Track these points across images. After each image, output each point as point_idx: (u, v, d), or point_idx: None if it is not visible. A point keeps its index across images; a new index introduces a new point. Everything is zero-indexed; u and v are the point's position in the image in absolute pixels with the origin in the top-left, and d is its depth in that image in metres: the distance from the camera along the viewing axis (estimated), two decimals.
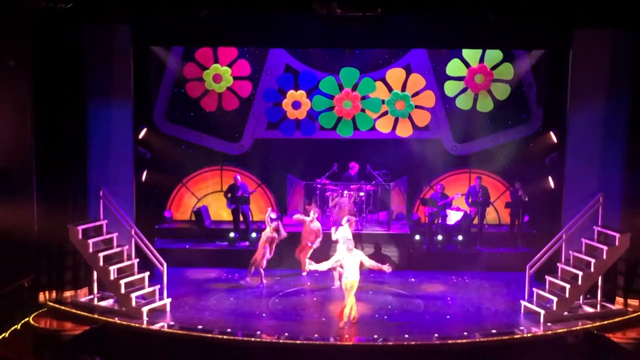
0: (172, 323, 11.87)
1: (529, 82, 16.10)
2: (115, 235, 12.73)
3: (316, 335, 11.42)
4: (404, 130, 16.34)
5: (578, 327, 11.75)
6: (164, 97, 16.42)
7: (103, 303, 12.47)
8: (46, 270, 12.67)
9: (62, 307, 12.38)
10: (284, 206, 16.82)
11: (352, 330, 11.66)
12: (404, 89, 16.10)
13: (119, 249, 12.71)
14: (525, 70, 15.90)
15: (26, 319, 12.06)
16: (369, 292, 13.37)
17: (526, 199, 15.28)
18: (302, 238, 14.37)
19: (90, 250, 12.28)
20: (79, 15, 12.37)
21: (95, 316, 12.02)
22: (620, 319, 12.05)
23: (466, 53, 15.81)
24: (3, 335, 11.71)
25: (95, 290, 12.60)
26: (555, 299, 12.09)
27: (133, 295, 12.16)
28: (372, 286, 13.71)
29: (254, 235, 15.37)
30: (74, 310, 12.23)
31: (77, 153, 12.83)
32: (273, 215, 14.21)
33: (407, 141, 16.59)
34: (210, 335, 11.30)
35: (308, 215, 14.41)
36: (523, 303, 12.53)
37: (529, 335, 11.58)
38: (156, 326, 11.70)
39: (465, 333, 11.43)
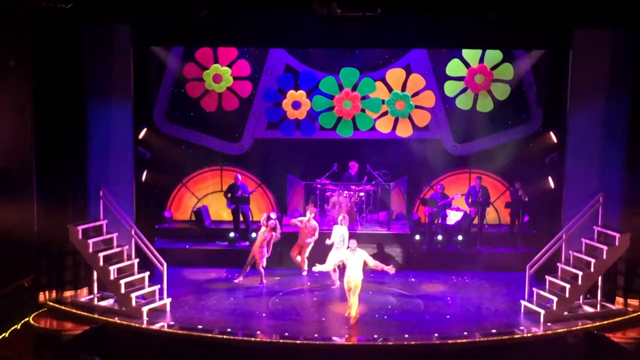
0: (172, 323, 11.87)
1: (529, 82, 16.10)
2: (115, 235, 12.74)
3: (316, 335, 11.41)
4: (404, 130, 16.34)
5: (578, 327, 11.76)
6: (164, 97, 16.42)
7: (103, 303, 12.47)
8: (46, 270, 12.67)
9: (62, 307, 12.39)
10: (284, 206, 16.81)
11: (352, 330, 11.66)
12: (404, 89, 16.10)
13: (119, 249, 12.72)
14: (525, 70, 15.90)
15: (26, 319, 12.06)
16: (369, 292, 13.36)
17: (526, 199, 15.28)
18: (299, 237, 14.39)
19: (90, 250, 12.28)
20: (79, 15, 12.37)
21: (95, 316, 12.03)
22: (620, 319, 12.06)
23: (466, 53, 15.81)
24: (3, 335, 11.72)
25: (95, 290, 12.60)
26: (555, 299, 12.10)
27: (133, 295, 12.16)
28: (372, 286, 13.70)
29: (254, 235, 15.33)
30: (74, 310, 12.24)
31: (77, 153, 12.83)
32: (273, 215, 14.20)
33: (407, 141, 16.58)
34: (210, 335, 11.31)
35: (305, 215, 14.44)
36: (523, 303, 12.53)
37: (529, 335, 11.58)
38: (156, 326, 11.71)
39: (465, 333, 11.43)
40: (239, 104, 16.41)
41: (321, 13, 12.02)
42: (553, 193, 13.89)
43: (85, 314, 12.10)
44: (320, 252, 13.92)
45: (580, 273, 12.15)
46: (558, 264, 12.64)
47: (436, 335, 11.40)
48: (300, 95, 16.14)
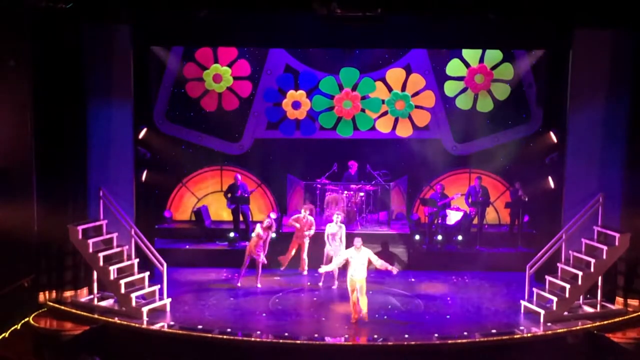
0: (172, 323, 11.87)
1: (529, 82, 16.10)
2: (115, 235, 12.73)
3: (316, 335, 11.42)
4: (404, 130, 16.35)
5: (578, 327, 11.75)
6: (164, 97, 16.42)
7: (103, 303, 12.47)
8: (46, 270, 12.67)
9: (62, 307, 12.38)
10: (284, 206, 16.81)
11: (352, 330, 11.66)
12: (404, 89, 16.10)
13: (119, 249, 12.71)
14: (525, 70, 15.90)
15: (26, 319, 12.06)
16: (369, 292, 13.24)
17: (526, 199, 15.28)
18: (295, 233, 14.37)
19: (90, 250, 12.28)
20: (79, 15, 12.36)
21: (95, 316, 12.02)
22: (620, 319, 12.06)
23: (466, 53, 15.81)
24: (3, 335, 11.71)
25: (95, 290, 12.60)
26: (555, 299, 12.10)
27: (133, 295, 12.16)
28: (372, 286, 13.63)
29: (253, 235, 15.35)
30: (74, 310, 12.24)
31: (77, 153, 12.83)
32: (273, 215, 14.20)
33: (407, 141, 16.59)
34: (210, 335, 11.31)
35: (300, 213, 14.46)
36: (523, 303, 12.53)
37: (529, 335, 11.58)
38: (156, 326, 11.71)
39: (465, 333, 11.44)
40: (239, 104, 16.41)
41: (321, 13, 12.01)
42: (553, 193, 13.89)
43: (85, 314, 12.09)
44: (320, 251, 13.94)
45: (580, 273, 12.15)
46: (558, 264, 12.64)
47: (436, 335, 11.40)
48: (300, 95, 16.14)
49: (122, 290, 12.21)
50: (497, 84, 15.91)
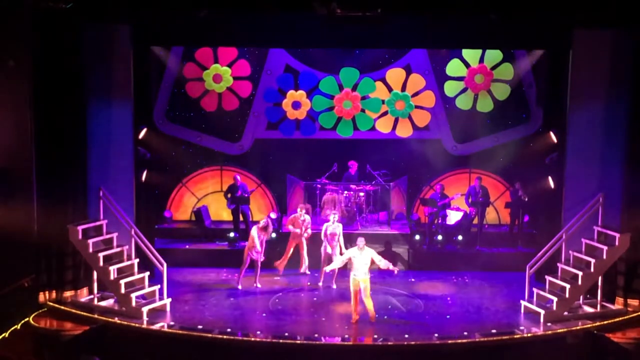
0: (172, 323, 11.87)
1: (529, 82, 16.10)
2: (115, 235, 12.73)
3: (316, 335, 11.42)
4: (404, 130, 16.35)
5: (578, 327, 11.75)
6: (164, 97, 16.42)
7: (103, 303, 12.46)
8: (46, 270, 12.66)
9: (62, 307, 12.38)
10: (284, 206, 16.81)
11: (352, 330, 11.67)
12: (404, 89, 16.11)
13: (119, 249, 12.71)
14: (525, 70, 15.90)
15: (26, 319, 12.05)
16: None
17: (526, 199, 15.28)
18: (292, 235, 14.36)
19: (90, 250, 12.28)
20: (79, 15, 12.35)
21: (95, 316, 12.02)
22: (620, 319, 12.06)
23: (466, 53, 15.81)
24: (3, 335, 11.70)
25: (95, 290, 12.60)
26: (555, 299, 12.09)
27: (133, 295, 12.16)
28: (372, 286, 13.58)
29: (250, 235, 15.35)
30: (74, 310, 12.24)
31: (77, 153, 12.82)
32: (273, 215, 14.17)
33: (407, 141, 16.57)
34: (210, 335, 11.30)
35: (297, 212, 14.45)
36: (523, 303, 12.53)
37: (529, 335, 11.58)
38: (156, 326, 11.70)
39: (465, 333, 11.44)
40: (239, 104, 16.41)
41: (321, 13, 12.00)
42: (553, 193, 13.89)
43: (85, 314, 12.09)
44: (318, 250, 13.95)
45: (580, 273, 12.15)
46: (558, 264, 12.64)
47: (436, 335, 11.40)
48: (300, 95, 16.14)
49: (122, 290, 12.21)
50: (497, 84, 15.92)
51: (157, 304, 12.44)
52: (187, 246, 15.64)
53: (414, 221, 16.59)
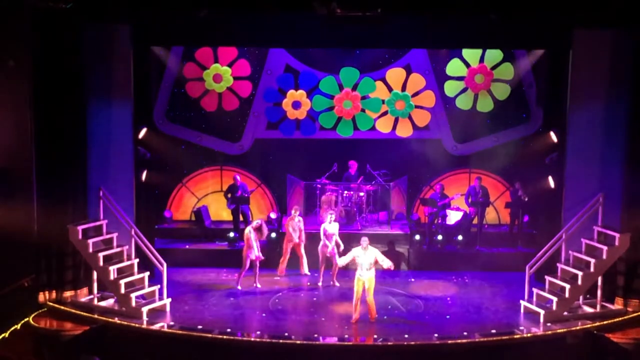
0: (172, 323, 11.87)
1: (529, 82, 16.10)
2: (115, 235, 12.73)
3: (316, 335, 11.42)
4: (404, 130, 16.35)
5: (578, 327, 11.75)
6: (164, 97, 16.42)
7: (103, 303, 12.47)
8: (46, 270, 12.65)
9: (62, 307, 12.38)
10: (284, 206, 16.80)
11: (352, 330, 11.67)
12: (404, 89, 16.10)
13: (119, 249, 12.71)
14: (525, 70, 15.90)
15: (26, 319, 12.05)
16: None
17: (526, 199, 15.28)
18: (287, 237, 14.38)
19: (90, 250, 12.28)
20: (79, 15, 12.35)
21: (95, 316, 12.02)
22: (620, 319, 12.06)
23: (466, 53, 15.81)
24: (3, 335, 11.70)
25: (95, 290, 12.61)
26: (555, 299, 12.10)
27: (133, 295, 12.16)
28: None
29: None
30: (74, 310, 12.24)
31: (77, 153, 12.82)
32: (273, 215, 14.14)
33: (407, 141, 16.57)
34: (210, 335, 11.31)
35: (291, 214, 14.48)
36: (523, 303, 12.53)
37: (529, 335, 11.58)
38: (156, 326, 11.71)
39: (465, 333, 11.44)
40: (239, 104, 16.41)
41: (321, 13, 12.00)
42: (553, 193, 13.89)
43: (85, 314, 12.09)
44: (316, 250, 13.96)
45: (580, 273, 12.15)
46: (558, 264, 12.64)
47: (436, 335, 11.40)
48: (300, 95, 16.14)
49: (122, 290, 12.21)
50: (497, 84, 15.91)
51: (157, 304, 12.45)
52: (187, 246, 15.64)
53: (414, 221, 16.58)
